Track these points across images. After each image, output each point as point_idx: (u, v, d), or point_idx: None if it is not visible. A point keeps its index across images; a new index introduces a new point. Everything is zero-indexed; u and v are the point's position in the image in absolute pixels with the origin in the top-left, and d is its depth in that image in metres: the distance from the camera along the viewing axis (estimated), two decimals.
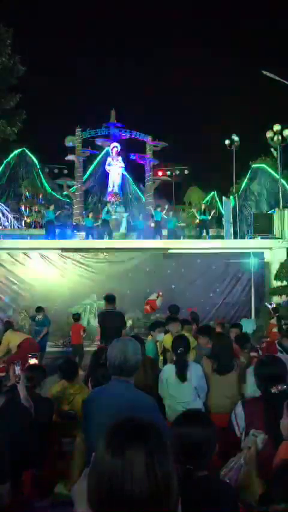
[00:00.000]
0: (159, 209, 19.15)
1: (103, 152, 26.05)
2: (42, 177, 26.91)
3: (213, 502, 1.91)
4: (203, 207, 19.92)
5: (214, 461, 2.22)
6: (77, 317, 12.60)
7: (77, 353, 11.83)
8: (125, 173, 25.48)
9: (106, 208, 19.25)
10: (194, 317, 10.28)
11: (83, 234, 19.17)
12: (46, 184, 26.72)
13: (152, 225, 19.04)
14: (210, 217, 19.41)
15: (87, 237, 18.39)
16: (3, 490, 2.19)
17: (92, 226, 18.75)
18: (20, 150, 26.82)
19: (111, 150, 24.02)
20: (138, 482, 1.08)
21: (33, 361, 4.72)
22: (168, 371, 4.79)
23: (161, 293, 13.08)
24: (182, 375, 4.64)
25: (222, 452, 2.46)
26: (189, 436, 2.07)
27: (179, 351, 4.76)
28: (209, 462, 2.14)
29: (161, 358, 6.64)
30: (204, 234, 18.85)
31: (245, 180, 25.27)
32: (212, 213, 19.71)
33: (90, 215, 19.17)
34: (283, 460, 2.18)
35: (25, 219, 23.39)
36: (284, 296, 15.15)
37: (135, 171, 26.48)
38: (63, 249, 16.31)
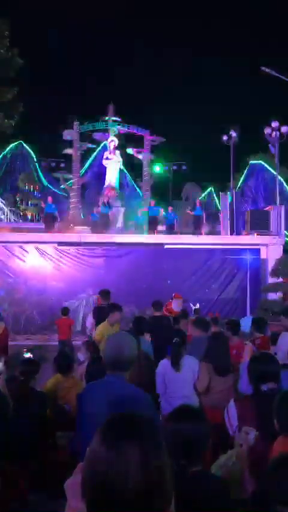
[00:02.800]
0: (153, 204, 19.20)
1: (101, 146, 25.97)
2: (39, 170, 26.84)
3: (207, 497, 1.92)
4: (198, 202, 19.93)
5: (208, 457, 2.24)
6: (65, 311, 12.04)
7: (64, 348, 10.82)
8: (123, 167, 25.42)
9: (102, 202, 19.27)
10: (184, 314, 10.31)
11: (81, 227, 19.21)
12: (43, 178, 26.67)
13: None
14: (202, 213, 19.38)
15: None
16: None
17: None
18: (17, 142, 26.74)
19: (109, 144, 23.95)
20: (133, 477, 1.09)
21: (28, 355, 4.73)
22: (165, 365, 4.84)
23: (176, 295, 12.68)
24: (176, 364, 4.73)
25: (214, 448, 2.48)
26: (183, 432, 2.07)
27: (174, 341, 4.84)
28: (203, 458, 2.15)
29: None
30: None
31: (243, 176, 25.30)
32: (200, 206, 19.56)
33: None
34: (279, 453, 2.20)
35: (21, 212, 23.37)
36: (279, 293, 15.19)
37: (132, 165, 26.42)
38: (60, 243, 16.31)
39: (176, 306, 11.48)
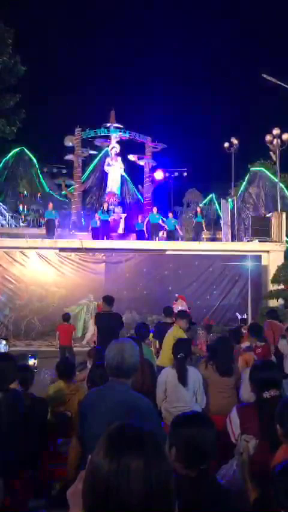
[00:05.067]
0: (155, 211, 19.21)
1: (102, 152, 26.05)
2: (41, 177, 26.90)
3: (211, 506, 1.91)
4: (198, 209, 19.97)
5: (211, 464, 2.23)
6: (66, 317, 12.15)
7: (64, 354, 11.19)
8: (124, 174, 25.49)
9: (101, 210, 19.29)
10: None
11: (82, 233, 19.24)
12: (44, 184, 26.72)
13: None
14: (203, 220, 19.41)
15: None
16: None
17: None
18: (19, 149, 26.79)
19: (110, 150, 24.02)
20: (135, 488, 1.09)
21: (32, 360, 4.72)
22: (167, 374, 4.77)
23: (180, 297, 12.56)
24: (183, 380, 4.63)
25: (219, 456, 2.47)
26: (201, 437, 2.06)
27: (179, 356, 4.75)
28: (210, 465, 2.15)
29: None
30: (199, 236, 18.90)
31: (244, 183, 25.31)
32: (201, 213, 19.59)
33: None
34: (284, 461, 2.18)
35: (23, 217, 23.40)
36: (280, 299, 15.17)
37: (134, 172, 26.50)
38: (61, 249, 16.32)
39: (179, 307, 11.32)
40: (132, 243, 17.77)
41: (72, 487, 1.51)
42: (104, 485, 1.11)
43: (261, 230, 17.11)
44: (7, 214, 23.31)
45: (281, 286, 15.55)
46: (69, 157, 23.96)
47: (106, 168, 24.21)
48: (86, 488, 1.17)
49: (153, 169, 24.83)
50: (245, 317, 13.07)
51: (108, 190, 23.85)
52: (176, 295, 12.76)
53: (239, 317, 12.78)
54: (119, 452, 1.14)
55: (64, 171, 28.55)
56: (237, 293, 16.22)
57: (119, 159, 24.05)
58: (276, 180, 19.78)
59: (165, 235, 19.05)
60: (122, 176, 24.73)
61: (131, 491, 1.09)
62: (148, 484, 1.10)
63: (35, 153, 27.12)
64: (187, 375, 4.65)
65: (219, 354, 4.99)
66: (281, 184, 20.03)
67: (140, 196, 26.40)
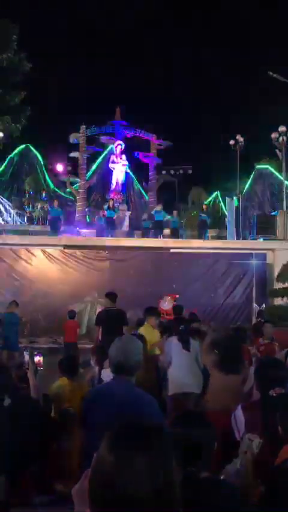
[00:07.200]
0: (159, 208, 19.19)
1: (107, 150, 26.06)
2: (46, 174, 26.96)
3: (218, 504, 1.89)
4: (204, 207, 19.95)
5: (215, 463, 2.21)
6: (72, 314, 12.21)
7: (69, 351, 11.07)
8: (129, 171, 25.49)
9: (107, 205, 19.30)
10: (193, 318, 10.24)
11: (87, 231, 19.26)
12: (49, 181, 26.78)
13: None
14: (209, 218, 19.38)
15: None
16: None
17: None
18: (24, 146, 26.86)
19: (115, 148, 24.03)
20: (141, 486, 1.08)
21: (37, 358, 4.71)
22: (173, 342, 5.44)
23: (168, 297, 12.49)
24: (186, 346, 5.35)
25: (223, 454, 2.45)
26: (189, 437, 2.05)
27: (181, 328, 5.60)
28: (210, 464, 2.13)
29: None
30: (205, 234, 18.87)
31: (249, 181, 25.25)
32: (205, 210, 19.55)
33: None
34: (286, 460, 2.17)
35: (28, 215, 23.47)
36: (285, 298, 15.11)
37: (138, 169, 26.50)
38: (66, 246, 16.34)
39: (165, 304, 11.54)
40: (137, 240, 17.76)
41: (78, 484, 1.50)
42: (110, 482, 1.10)
43: (267, 228, 17.06)
44: (12, 211, 23.39)
45: (286, 285, 15.49)
46: (74, 154, 23.99)
47: (111, 165, 24.22)
48: (92, 485, 1.16)
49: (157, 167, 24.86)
50: (263, 308, 12.78)
51: (112, 187, 23.87)
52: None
53: (257, 308, 12.55)
54: (125, 450, 1.13)
55: (69, 168, 28.63)
56: (242, 291, 16.17)
57: (124, 156, 24.05)
58: (282, 178, 19.72)
59: (169, 232, 19.05)
60: (126, 173, 24.74)
61: (138, 489, 1.08)
62: (155, 482, 1.09)
63: (40, 150, 27.18)
64: (190, 343, 5.37)
65: (224, 351, 4.95)
66: (286, 182, 19.96)
67: (144, 194, 26.40)
